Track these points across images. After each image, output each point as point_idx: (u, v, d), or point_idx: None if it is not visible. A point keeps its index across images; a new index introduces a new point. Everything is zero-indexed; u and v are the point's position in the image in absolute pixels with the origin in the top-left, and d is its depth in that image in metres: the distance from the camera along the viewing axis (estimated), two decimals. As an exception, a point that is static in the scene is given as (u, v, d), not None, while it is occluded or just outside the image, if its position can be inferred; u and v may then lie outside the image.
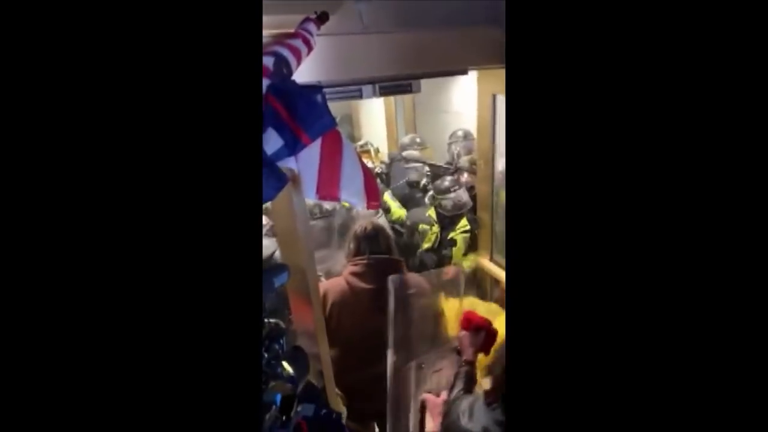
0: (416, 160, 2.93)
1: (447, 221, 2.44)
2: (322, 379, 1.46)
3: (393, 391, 1.43)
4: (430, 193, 2.61)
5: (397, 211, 2.66)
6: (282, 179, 0.87)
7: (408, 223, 2.59)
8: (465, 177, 2.56)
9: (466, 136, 2.88)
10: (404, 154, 3.04)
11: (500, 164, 2.01)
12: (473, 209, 2.39)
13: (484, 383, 1.16)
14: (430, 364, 1.45)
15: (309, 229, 1.44)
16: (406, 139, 3.33)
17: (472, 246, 2.39)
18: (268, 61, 0.92)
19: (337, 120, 1.03)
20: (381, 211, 2.51)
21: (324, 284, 1.67)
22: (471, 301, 1.85)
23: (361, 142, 3.84)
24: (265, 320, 0.96)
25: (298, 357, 0.98)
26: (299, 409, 0.90)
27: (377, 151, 3.70)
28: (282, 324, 1.00)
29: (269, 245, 1.93)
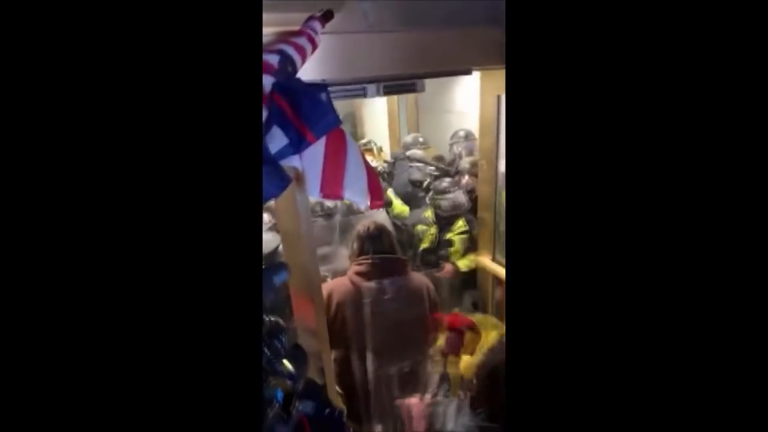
0: (419, 160, 2.92)
1: (444, 222, 2.44)
2: (323, 376, 1.46)
3: (377, 395, 1.44)
4: (431, 193, 2.62)
5: (399, 206, 2.66)
6: (286, 178, 0.87)
7: (407, 222, 2.59)
8: (465, 179, 2.57)
9: (468, 136, 2.87)
10: (408, 153, 3.03)
11: (503, 165, 2.01)
12: (473, 210, 2.39)
13: (470, 387, 1.16)
14: (413, 368, 1.46)
15: (312, 228, 1.44)
16: (408, 138, 3.33)
17: (471, 247, 2.39)
18: (273, 59, 0.92)
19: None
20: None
21: (329, 284, 1.67)
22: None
23: (363, 141, 3.83)
24: (265, 318, 0.96)
25: (298, 355, 0.99)
26: (299, 406, 0.90)
27: (380, 149, 3.69)
28: (282, 322, 1.00)
29: (273, 239, 1.93)
